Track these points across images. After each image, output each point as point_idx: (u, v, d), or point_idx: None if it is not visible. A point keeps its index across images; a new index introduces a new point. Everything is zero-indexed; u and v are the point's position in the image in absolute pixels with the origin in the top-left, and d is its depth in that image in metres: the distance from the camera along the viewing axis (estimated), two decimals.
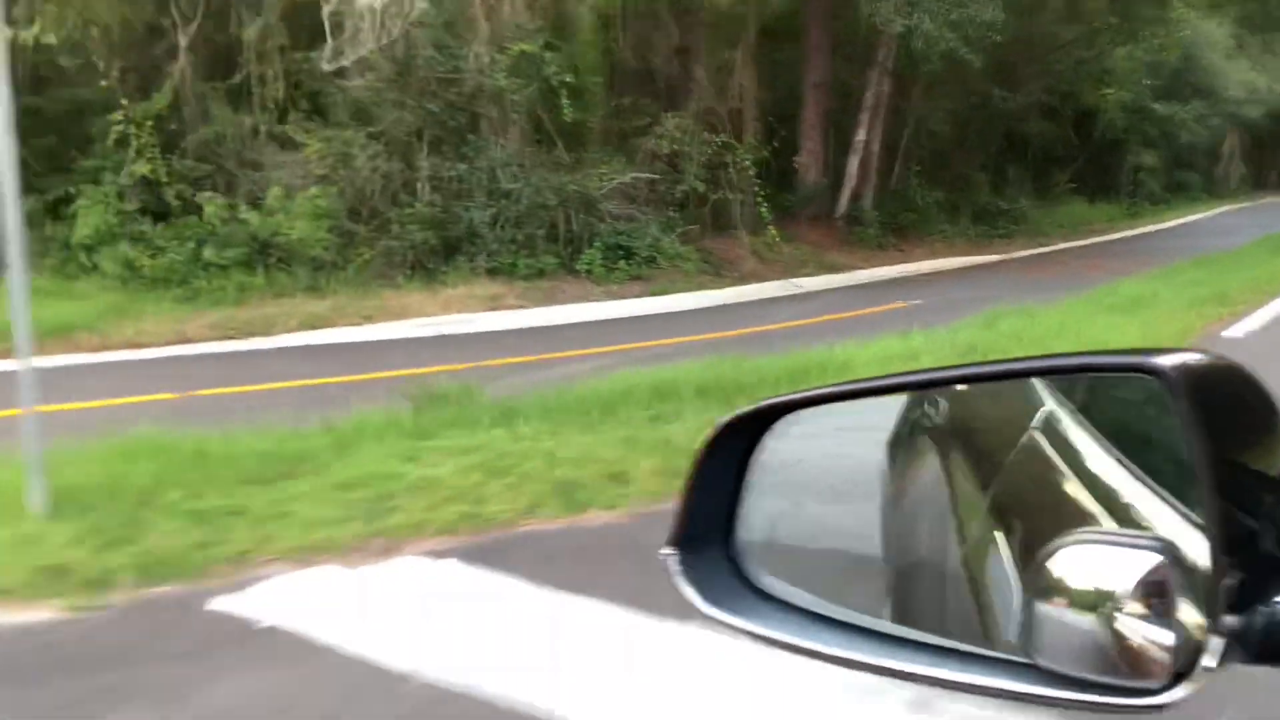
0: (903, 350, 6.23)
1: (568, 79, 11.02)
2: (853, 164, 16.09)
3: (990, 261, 16.90)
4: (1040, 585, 0.59)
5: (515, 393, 5.58)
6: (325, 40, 9.08)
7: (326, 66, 9.10)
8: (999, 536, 0.71)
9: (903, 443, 0.90)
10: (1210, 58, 26.33)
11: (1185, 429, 0.55)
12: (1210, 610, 0.53)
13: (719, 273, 12.84)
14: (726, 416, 0.79)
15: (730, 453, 0.79)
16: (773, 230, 12.87)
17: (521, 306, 10.03)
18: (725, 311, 11.01)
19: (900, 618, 0.75)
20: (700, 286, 12.25)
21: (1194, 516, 0.57)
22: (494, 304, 9.79)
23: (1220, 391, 0.59)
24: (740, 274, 12.85)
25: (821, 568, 0.87)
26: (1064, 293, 10.83)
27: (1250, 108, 30.74)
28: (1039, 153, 28.69)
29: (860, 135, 16.00)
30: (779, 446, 0.81)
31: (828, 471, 0.94)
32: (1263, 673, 0.54)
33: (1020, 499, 0.75)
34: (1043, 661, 0.58)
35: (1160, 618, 0.54)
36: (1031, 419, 0.77)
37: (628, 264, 11.72)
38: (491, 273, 10.48)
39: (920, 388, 0.85)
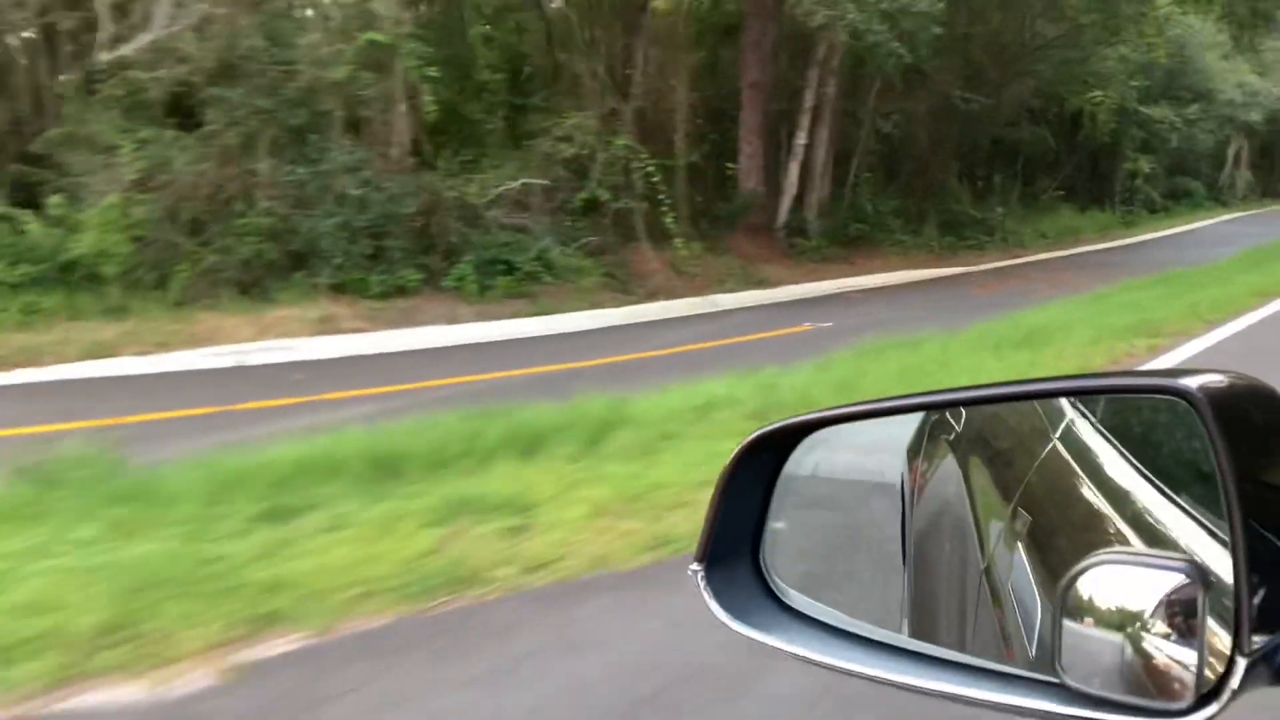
0: (697, 401, 4.97)
1: (431, 73, 9.82)
2: (792, 170, 14.80)
3: (947, 275, 15.55)
4: (1067, 604, 0.58)
5: (174, 457, 4.34)
6: (105, 25, 7.89)
7: (104, 55, 7.91)
8: (1022, 551, 0.70)
9: (922, 455, 0.88)
10: (1204, 59, 24.76)
11: (1211, 449, 0.55)
12: (1236, 631, 0.53)
13: (626, 289, 11.59)
14: (753, 434, 0.78)
15: (756, 469, 0.79)
16: (680, 242, 11.59)
17: (360, 329, 8.81)
18: (605, 334, 9.74)
19: (921, 632, 0.74)
20: (596, 305, 10.99)
21: (1221, 536, 0.56)
22: (324, 327, 8.58)
23: (1246, 411, 0.58)
24: (648, 290, 11.59)
25: (844, 582, 0.86)
26: (999, 313, 9.57)
27: (1251, 111, 29.06)
28: (1029, 160, 27.39)
29: (800, 139, 14.70)
30: (804, 462, 0.81)
31: (851, 487, 0.93)
32: None
33: (1044, 514, 0.74)
34: (1069, 681, 0.57)
35: (1186, 638, 0.54)
36: (1053, 432, 0.76)
37: (508, 279, 10.49)
38: (337, 290, 9.27)
39: (946, 407, 0.84)
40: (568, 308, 10.62)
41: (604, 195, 11.44)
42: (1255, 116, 32.80)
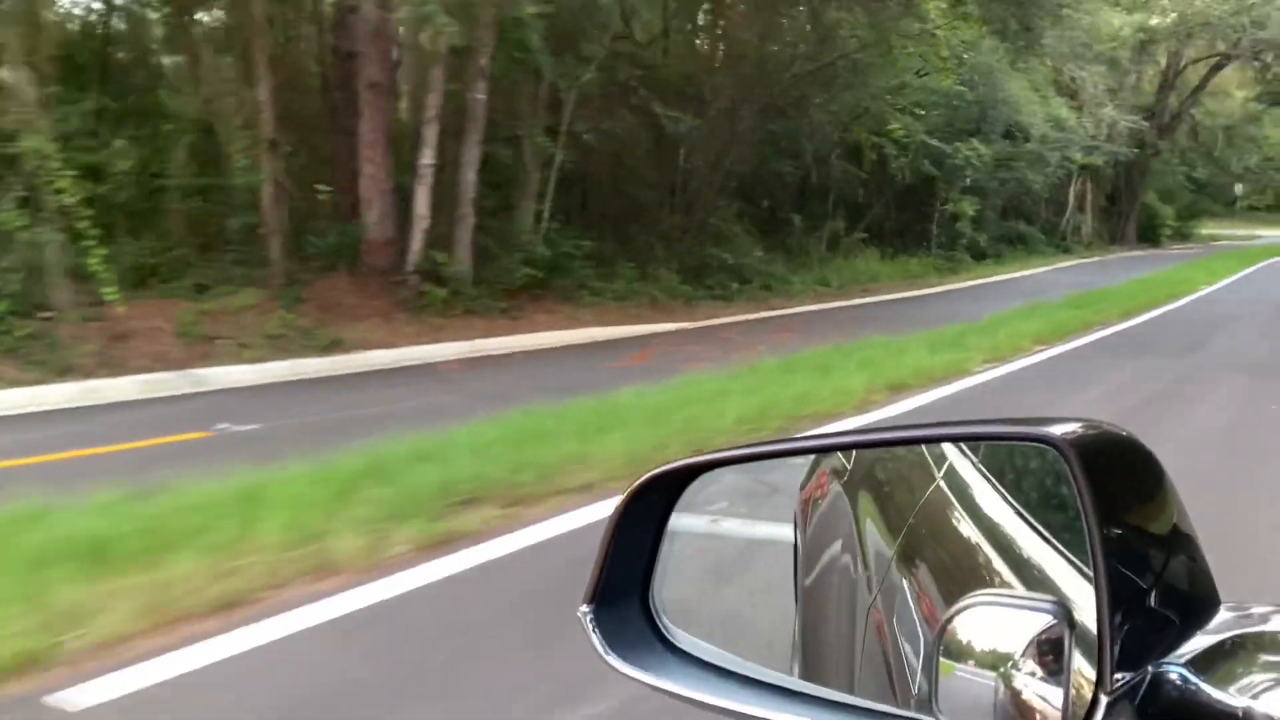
0: None
1: None
2: (420, 197, 11.32)
3: (635, 335, 12.19)
4: (944, 644, 0.60)
5: None
6: None
7: None
8: (907, 591, 0.73)
9: (813, 494, 0.92)
10: (1009, 89, 22.34)
11: (1076, 494, 0.57)
12: (1100, 670, 0.54)
13: (45, 361, 7.80)
14: (644, 475, 0.78)
15: (648, 510, 0.79)
16: (110, 292, 7.88)
17: None
18: None
19: (811, 673, 0.79)
20: None
21: (1089, 576, 0.57)
22: None
23: (1109, 459, 0.61)
24: (67, 365, 7.81)
25: (736, 622, 0.87)
26: (617, 386, 6.32)
27: (1073, 150, 26.89)
28: (843, 201, 24.70)
29: (425, 158, 11.25)
30: (696, 504, 0.81)
31: (744, 527, 0.92)
32: None
33: (926, 554, 0.76)
34: None
35: (1055, 677, 0.56)
36: (937, 474, 0.79)
37: None
38: None
39: (836, 449, 0.87)
40: None
41: (17, 222, 7.71)
42: (1095, 158, 30.96)
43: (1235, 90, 39.03)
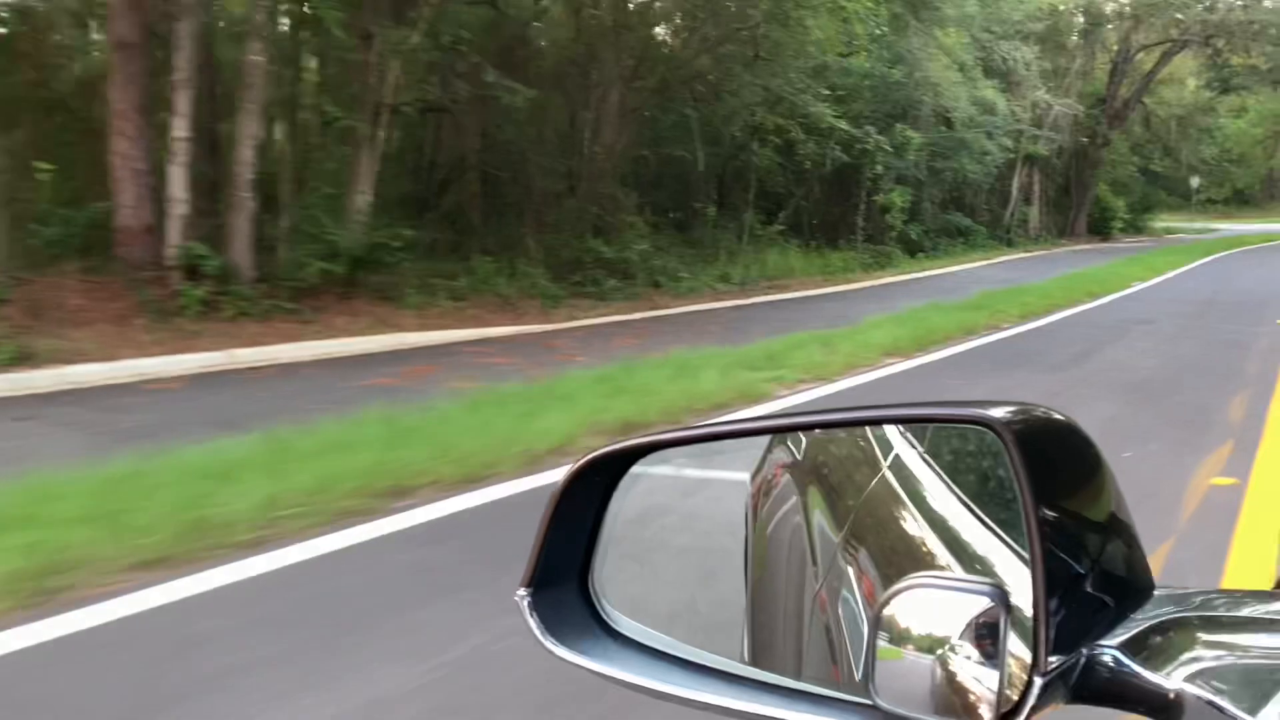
0: None
1: None
2: (175, 179, 9.46)
3: (449, 341, 10.39)
4: (882, 627, 0.60)
5: None
6: None
7: None
8: (851, 576, 0.74)
9: (765, 482, 0.91)
10: (928, 69, 20.63)
11: (1014, 477, 0.58)
12: (1035, 652, 0.55)
13: None
14: (586, 456, 0.77)
15: (589, 492, 0.78)
16: None
17: None
18: None
19: (757, 659, 0.76)
20: None
21: (1026, 559, 0.58)
22: None
23: (1048, 443, 0.62)
24: None
25: (681, 608, 0.86)
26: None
27: (1002, 136, 25.28)
28: (766, 191, 23.02)
29: (178, 130, 9.39)
30: (641, 486, 0.80)
31: (691, 511, 0.92)
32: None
33: (870, 539, 0.78)
34: (881, 703, 0.59)
35: (991, 660, 0.56)
36: (883, 460, 0.80)
37: None
38: None
39: (780, 431, 0.87)
40: None
41: None
42: (1039, 147, 29.43)
43: (1189, 79, 37.67)
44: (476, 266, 13.40)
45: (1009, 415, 0.61)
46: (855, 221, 23.13)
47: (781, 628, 0.83)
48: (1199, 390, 6.96)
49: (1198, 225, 42.26)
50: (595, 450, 0.77)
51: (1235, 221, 46.12)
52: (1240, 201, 53.06)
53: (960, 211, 28.41)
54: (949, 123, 21.59)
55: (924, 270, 22.57)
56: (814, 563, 0.83)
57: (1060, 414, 0.64)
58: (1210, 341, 10.03)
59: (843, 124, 17.62)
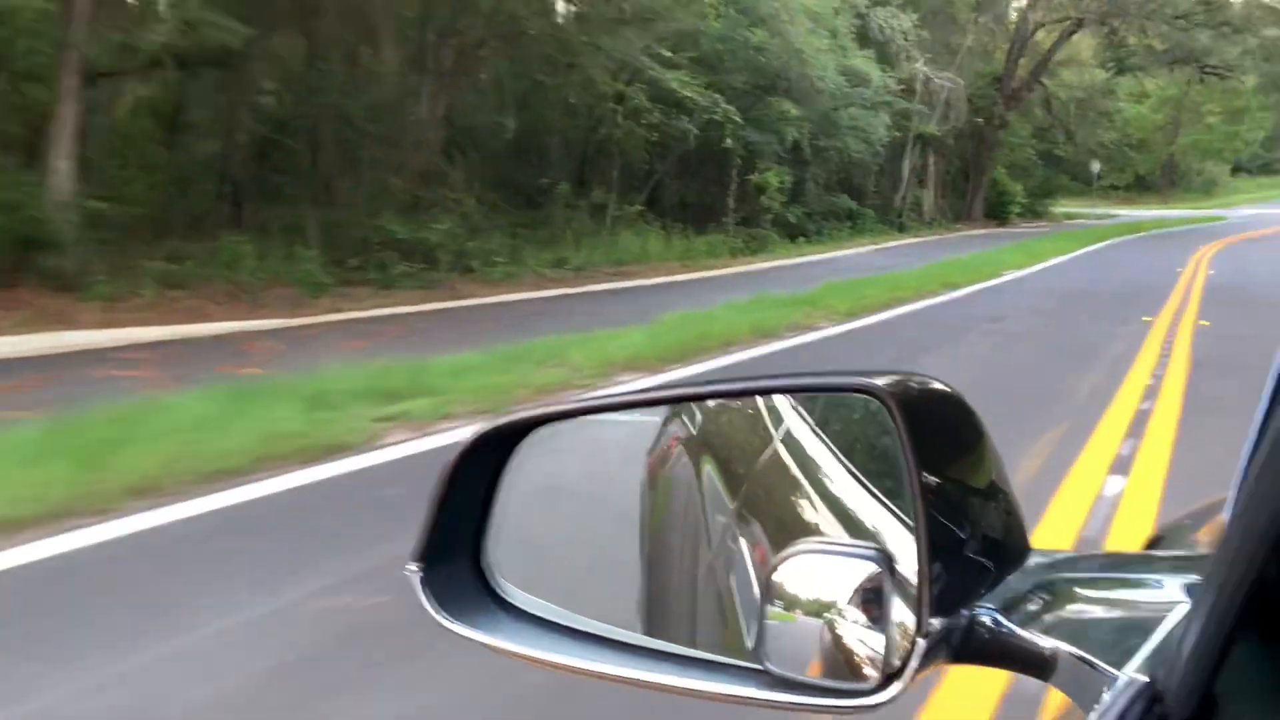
0: None
1: None
2: None
3: (126, 342, 8.15)
4: (771, 593, 0.61)
5: None
6: None
7: None
8: (743, 545, 0.75)
9: (661, 454, 0.89)
10: (789, 35, 18.74)
11: (899, 444, 0.59)
12: (918, 615, 0.56)
13: None
14: (478, 429, 0.77)
15: (481, 466, 0.78)
16: None
17: None
18: None
19: (652, 629, 0.76)
20: None
21: (911, 526, 0.59)
22: None
23: (931, 411, 0.63)
24: None
25: (577, 582, 0.84)
26: None
27: (875, 112, 23.67)
28: (631, 169, 21.03)
29: None
30: (534, 460, 0.80)
31: (587, 484, 0.91)
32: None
33: (762, 510, 0.78)
34: (771, 667, 0.60)
35: (876, 623, 0.57)
36: (775, 430, 0.80)
37: None
38: None
39: (672, 402, 0.86)
40: None
41: None
42: (929, 126, 28.01)
43: (1089, 59, 36.80)
44: (224, 247, 11.10)
45: (894, 384, 0.62)
46: (727, 203, 21.31)
47: (675, 598, 0.80)
48: (1001, 427, 5.14)
49: (1098, 211, 41.68)
50: (486, 425, 0.77)
51: (1136, 207, 45.82)
52: (1142, 187, 52.97)
53: (848, 194, 26.84)
54: (816, 94, 19.77)
55: (799, 256, 20.89)
56: (707, 533, 0.80)
57: (943, 383, 0.66)
58: (1056, 347, 8.33)
59: (690, 92, 15.61)
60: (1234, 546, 0.44)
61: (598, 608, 0.77)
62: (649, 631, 0.75)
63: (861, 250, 22.80)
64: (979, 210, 33.65)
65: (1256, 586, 0.43)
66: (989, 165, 33.56)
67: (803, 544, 0.63)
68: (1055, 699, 0.61)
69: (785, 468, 0.76)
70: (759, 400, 0.80)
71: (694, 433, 0.87)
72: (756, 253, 20.91)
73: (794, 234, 23.21)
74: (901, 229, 28.41)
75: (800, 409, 0.77)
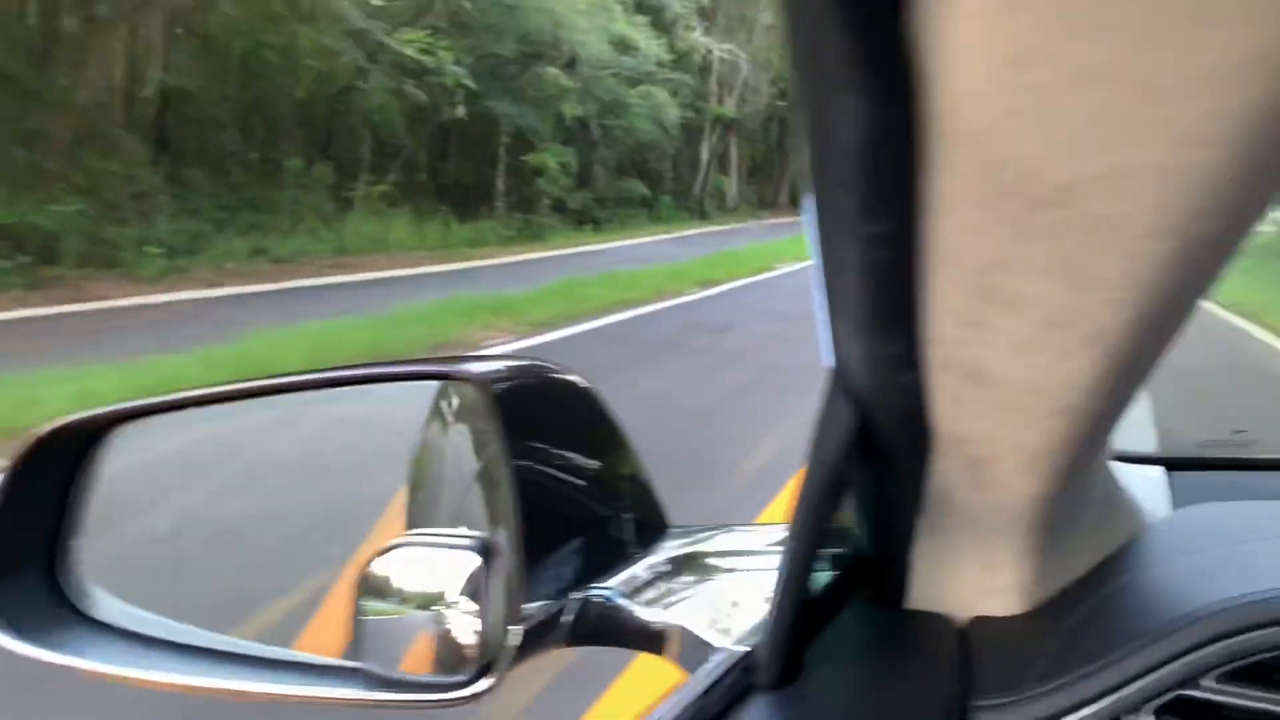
0: None
1: None
2: None
3: None
4: (370, 589, 0.59)
5: None
6: None
7: None
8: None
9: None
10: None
11: (495, 429, 0.57)
12: (507, 602, 0.55)
13: None
14: (43, 428, 0.69)
15: (52, 468, 0.70)
16: None
17: None
18: None
19: (261, 633, 0.72)
20: None
21: (509, 515, 0.58)
22: None
23: (534, 397, 0.62)
24: None
25: (179, 587, 0.79)
26: None
27: (652, 86, 21.98)
28: (383, 145, 18.37)
29: None
30: (118, 460, 0.74)
31: (181, 481, 0.84)
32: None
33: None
34: (367, 666, 0.59)
35: (476, 615, 0.56)
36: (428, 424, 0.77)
37: None
38: None
39: (250, 396, 0.77)
40: None
41: None
42: (726, 109, 26.62)
43: None
44: None
45: (491, 368, 0.61)
46: (495, 185, 19.00)
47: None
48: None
49: None
50: (55, 421, 0.70)
51: None
52: None
53: (644, 179, 25.05)
54: (573, 63, 17.69)
55: (578, 246, 18.80)
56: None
57: (556, 368, 0.64)
58: (780, 374, 6.46)
59: (412, 50, 13.18)
60: (801, 512, 0.46)
61: (202, 613, 0.72)
62: (258, 635, 0.70)
63: (651, 240, 21.00)
64: (785, 198, 32.76)
65: (846, 555, 0.47)
66: (793, 151, 32.69)
67: (402, 537, 0.61)
68: (673, 672, 0.58)
69: (400, 458, 0.74)
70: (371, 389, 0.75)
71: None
72: (531, 241, 18.73)
73: (581, 221, 21.20)
74: (703, 216, 26.93)
75: (437, 399, 0.74)
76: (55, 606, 0.68)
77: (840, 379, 0.45)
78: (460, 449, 0.69)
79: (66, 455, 0.70)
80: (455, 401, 0.70)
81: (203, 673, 0.65)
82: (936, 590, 0.55)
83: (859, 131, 0.29)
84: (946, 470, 0.47)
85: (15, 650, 0.63)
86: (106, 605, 0.70)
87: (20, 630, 0.65)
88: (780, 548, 0.60)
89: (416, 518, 0.69)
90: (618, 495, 0.63)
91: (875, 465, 0.48)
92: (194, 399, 0.75)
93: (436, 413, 0.74)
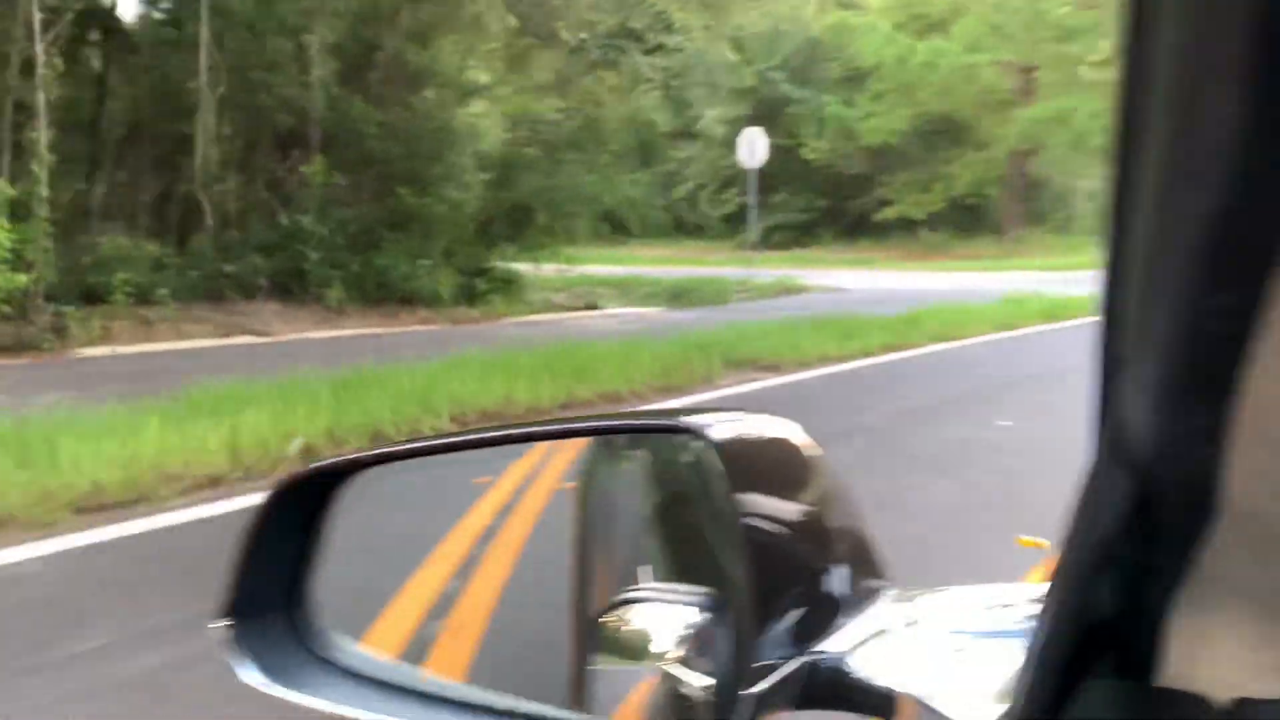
0: None
1: None
2: None
3: None
4: (601, 641, 0.60)
5: None
6: None
7: None
8: (576, 593, 0.73)
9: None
10: None
11: (724, 485, 0.57)
12: (741, 660, 0.55)
13: None
14: (290, 474, 0.73)
15: (296, 513, 0.72)
16: None
17: None
18: None
19: (492, 683, 0.72)
20: None
21: (740, 570, 0.58)
22: None
23: (758, 450, 0.62)
24: None
25: (411, 632, 0.80)
26: None
27: None
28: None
29: None
30: (357, 506, 0.75)
31: (416, 531, 0.86)
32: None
33: (599, 554, 0.77)
34: (596, 718, 0.58)
35: (705, 670, 0.56)
36: (603, 474, 0.79)
37: None
38: None
39: (498, 444, 0.78)
40: None
41: None
42: None
43: None
44: None
45: (718, 422, 0.60)
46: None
47: (512, 648, 0.78)
48: None
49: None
50: (297, 471, 0.73)
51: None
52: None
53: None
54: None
55: None
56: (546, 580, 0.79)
57: (778, 419, 0.63)
58: None
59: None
60: (1059, 583, 0.44)
61: (434, 659, 0.74)
62: (490, 683, 0.70)
63: None
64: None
65: (1088, 622, 0.43)
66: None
67: (633, 590, 0.61)
68: None
69: (614, 512, 0.76)
70: (596, 444, 0.76)
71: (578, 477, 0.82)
72: None
73: None
74: None
75: (634, 452, 0.75)
76: (297, 648, 0.69)
77: (1115, 446, 0.42)
78: (681, 502, 0.68)
79: (308, 501, 0.72)
80: (681, 455, 0.69)
81: (429, 718, 0.65)
82: (1195, 666, 0.50)
83: (1233, 198, 0.26)
84: (1228, 544, 0.43)
85: (259, 689, 0.64)
86: (342, 648, 0.70)
87: (266, 669, 0.66)
88: (1009, 609, 0.58)
89: (614, 570, 0.68)
90: (834, 547, 0.62)
91: (1140, 534, 0.45)
92: (429, 447, 0.77)
93: (614, 460, 0.74)
